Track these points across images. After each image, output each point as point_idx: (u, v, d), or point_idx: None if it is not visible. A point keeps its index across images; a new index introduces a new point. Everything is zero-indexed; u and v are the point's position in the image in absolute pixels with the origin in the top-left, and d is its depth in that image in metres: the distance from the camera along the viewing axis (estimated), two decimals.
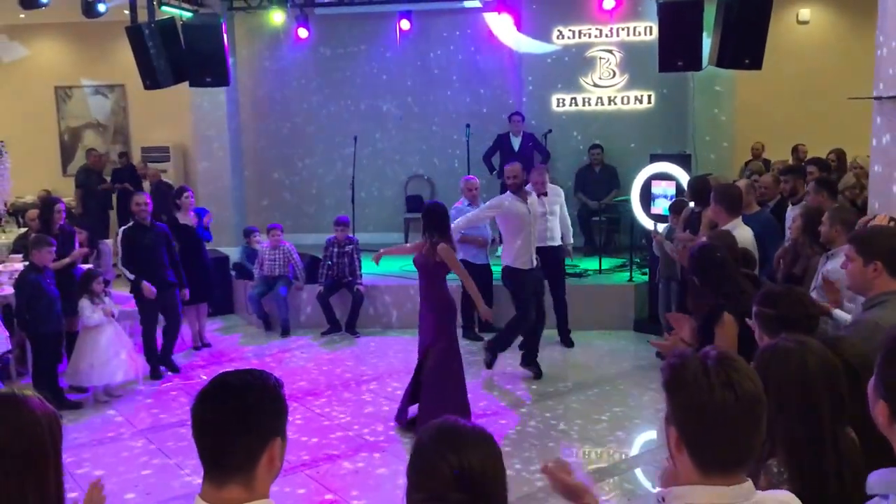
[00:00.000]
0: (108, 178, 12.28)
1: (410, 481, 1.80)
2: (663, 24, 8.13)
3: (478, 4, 11.03)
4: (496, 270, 8.00)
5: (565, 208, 8.22)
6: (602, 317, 8.78)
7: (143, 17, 8.79)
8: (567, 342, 8.26)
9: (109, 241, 10.00)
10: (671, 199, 8.08)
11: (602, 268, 9.55)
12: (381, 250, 6.65)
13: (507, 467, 1.85)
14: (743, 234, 5.24)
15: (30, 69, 13.38)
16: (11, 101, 13.14)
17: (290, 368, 7.80)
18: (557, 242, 7.95)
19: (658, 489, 1.96)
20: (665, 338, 4.45)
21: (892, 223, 4.15)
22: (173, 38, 8.70)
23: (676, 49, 7.98)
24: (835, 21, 11.94)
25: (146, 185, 12.02)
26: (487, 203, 7.45)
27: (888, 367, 1.82)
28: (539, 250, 7.46)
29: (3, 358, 6.95)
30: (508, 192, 7.17)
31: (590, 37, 11.23)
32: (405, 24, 11.08)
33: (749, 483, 1.73)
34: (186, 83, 9.14)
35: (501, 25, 11.35)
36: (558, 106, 11.42)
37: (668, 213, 7.76)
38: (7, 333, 6.83)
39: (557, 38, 11.30)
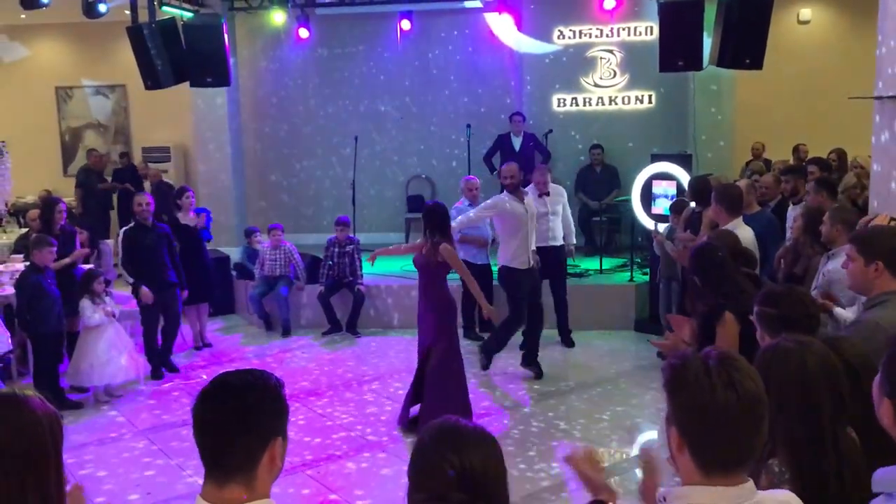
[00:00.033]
0: (109, 179, 12.28)
1: (411, 481, 1.80)
2: (664, 24, 8.13)
3: (478, 4, 11.03)
4: (496, 270, 8.00)
5: (568, 208, 8.21)
6: (603, 317, 8.78)
7: (143, 17, 8.78)
8: (568, 342, 8.26)
9: (110, 242, 10.00)
10: (672, 199, 8.08)
11: (603, 268, 9.55)
12: (377, 250, 6.67)
13: (511, 467, 1.85)
14: (744, 234, 5.24)
15: (30, 69, 13.38)
16: (12, 102, 13.13)
17: (291, 368, 7.81)
18: (559, 242, 7.95)
19: (659, 489, 1.96)
20: (666, 336, 4.45)
21: (892, 223, 4.15)
22: (174, 39, 8.70)
23: (677, 49, 7.98)
24: (835, 21, 11.93)
25: (147, 185, 12.02)
26: (484, 203, 7.44)
27: (894, 366, 1.82)
28: (541, 250, 7.46)
29: (5, 358, 6.95)
30: (505, 192, 7.17)
31: (590, 37, 11.24)
32: (406, 25, 11.08)
33: (750, 483, 1.73)
34: (187, 83, 9.14)
35: (502, 25, 11.35)
36: (559, 106, 11.43)
37: (668, 213, 7.76)
38: (8, 334, 6.83)
39: (558, 38, 11.30)
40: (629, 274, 9.16)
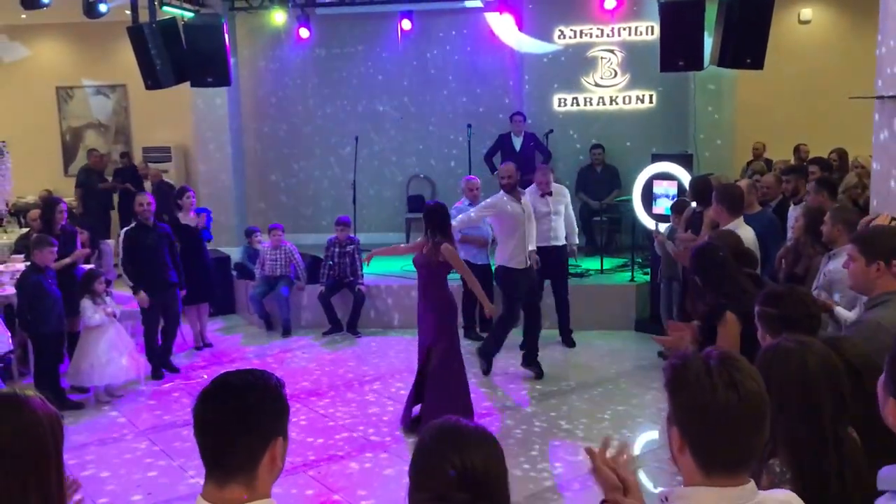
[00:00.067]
0: (110, 179, 12.29)
1: (412, 481, 1.80)
2: (664, 24, 8.12)
3: (479, 4, 11.03)
4: (494, 270, 8.00)
5: (570, 208, 8.20)
6: (603, 317, 8.78)
7: (144, 17, 8.78)
8: (569, 342, 8.26)
9: (111, 242, 10.00)
10: (673, 198, 8.08)
11: (604, 268, 9.55)
12: (373, 251, 6.68)
13: (514, 467, 1.85)
14: (745, 233, 5.24)
15: (31, 69, 13.38)
16: (13, 102, 13.14)
17: (292, 368, 7.81)
18: (561, 242, 7.95)
19: (660, 489, 1.95)
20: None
21: (893, 223, 4.15)
22: (175, 39, 8.70)
23: (677, 49, 7.97)
24: (836, 21, 11.92)
25: (148, 185, 12.03)
26: (484, 202, 7.43)
27: None
28: (542, 250, 7.46)
29: (5, 358, 6.95)
30: (502, 192, 7.17)
31: (591, 36, 11.24)
32: (406, 24, 11.08)
33: (752, 483, 1.73)
34: (188, 83, 9.14)
35: (503, 25, 11.35)
36: (559, 106, 11.43)
37: (669, 213, 7.75)
38: (9, 334, 6.83)
39: (559, 37, 11.30)
40: (630, 274, 9.16)
